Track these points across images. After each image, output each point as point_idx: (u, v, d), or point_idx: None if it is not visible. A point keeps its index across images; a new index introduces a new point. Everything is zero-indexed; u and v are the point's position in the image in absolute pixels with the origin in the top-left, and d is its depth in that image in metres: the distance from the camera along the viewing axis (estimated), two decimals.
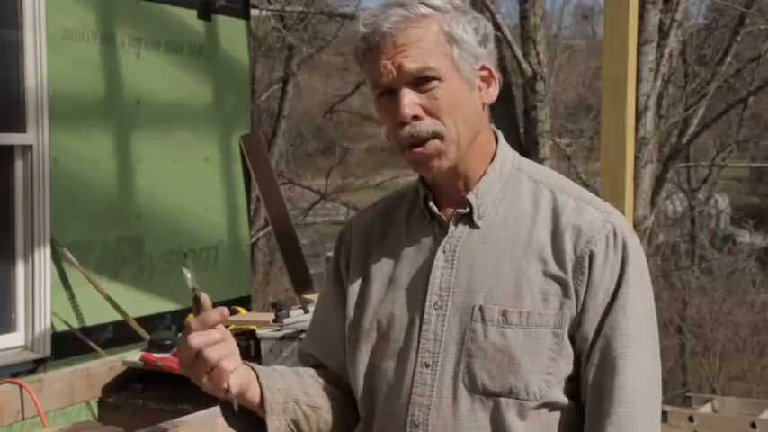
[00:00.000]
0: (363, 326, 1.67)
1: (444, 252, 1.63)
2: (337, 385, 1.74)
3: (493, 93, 1.64)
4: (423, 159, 1.59)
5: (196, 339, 1.51)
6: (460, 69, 1.59)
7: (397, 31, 1.56)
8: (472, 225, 1.63)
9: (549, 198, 1.63)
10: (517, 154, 1.71)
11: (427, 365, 1.59)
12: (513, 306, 1.57)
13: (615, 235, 1.59)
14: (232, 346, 1.55)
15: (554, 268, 1.57)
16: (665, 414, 4.46)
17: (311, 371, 1.76)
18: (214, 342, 1.52)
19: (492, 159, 1.66)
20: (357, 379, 1.68)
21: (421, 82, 1.57)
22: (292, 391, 1.67)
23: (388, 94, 1.59)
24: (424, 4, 1.59)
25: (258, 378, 1.62)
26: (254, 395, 1.61)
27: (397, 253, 1.68)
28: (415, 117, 1.57)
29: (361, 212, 1.83)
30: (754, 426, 4.52)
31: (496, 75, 1.64)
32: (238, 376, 1.57)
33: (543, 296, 1.57)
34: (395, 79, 1.57)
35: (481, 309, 1.58)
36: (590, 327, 1.57)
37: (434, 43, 1.57)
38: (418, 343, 1.61)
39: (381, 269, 1.69)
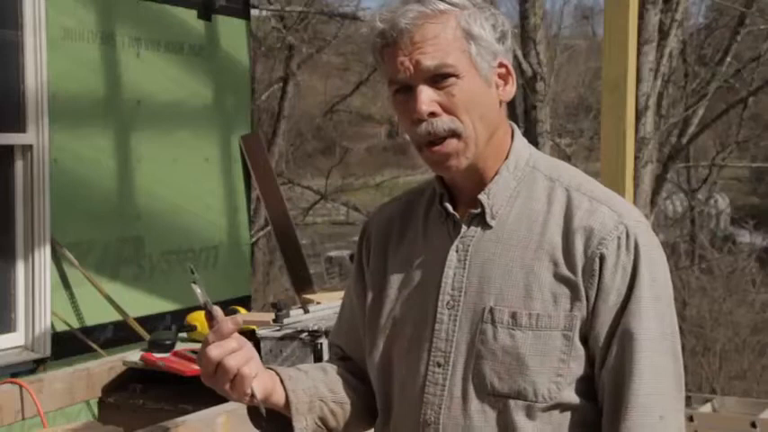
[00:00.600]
0: (380, 322, 1.68)
1: (457, 252, 1.62)
2: (363, 378, 1.75)
3: (510, 90, 1.63)
4: (441, 158, 1.58)
5: (214, 351, 1.54)
6: (478, 66, 1.57)
7: (415, 28, 1.55)
8: (485, 225, 1.62)
9: (564, 197, 1.61)
10: (534, 149, 1.68)
11: (439, 365, 1.59)
12: (523, 308, 1.55)
13: (627, 236, 1.55)
14: (250, 352, 1.57)
15: (564, 270, 1.55)
16: None
17: (337, 366, 1.77)
18: (231, 351, 1.55)
19: (506, 157, 1.64)
20: (374, 374, 1.69)
21: (438, 79, 1.55)
22: (317, 389, 1.68)
23: (405, 91, 1.57)
24: (442, 0, 1.57)
25: (282, 381, 1.64)
26: (279, 398, 1.63)
27: (413, 250, 1.68)
28: (432, 114, 1.55)
29: (383, 206, 1.83)
30: (754, 425, 4.53)
31: (514, 72, 1.62)
32: (262, 382, 1.59)
33: (554, 298, 1.55)
34: (412, 76, 1.55)
35: (491, 310, 1.56)
36: (602, 329, 1.55)
37: (452, 40, 1.55)
38: (431, 342, 1.60)
39: (398, 266, 1.68)
